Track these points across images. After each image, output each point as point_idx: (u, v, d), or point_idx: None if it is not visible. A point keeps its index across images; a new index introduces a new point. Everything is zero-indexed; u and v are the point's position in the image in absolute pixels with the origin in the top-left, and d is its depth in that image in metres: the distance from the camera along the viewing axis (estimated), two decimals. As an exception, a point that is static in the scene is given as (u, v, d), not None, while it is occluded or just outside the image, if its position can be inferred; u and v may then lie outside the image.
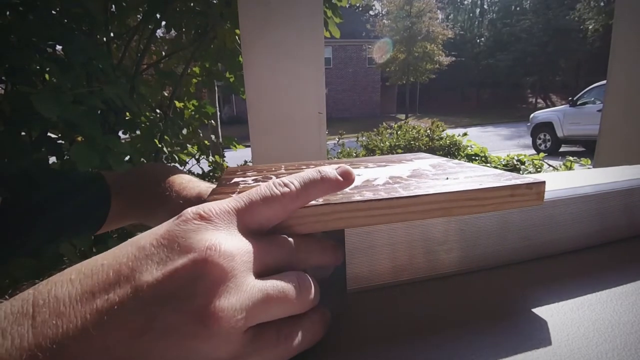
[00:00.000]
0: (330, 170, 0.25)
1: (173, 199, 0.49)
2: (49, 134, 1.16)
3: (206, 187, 0.50)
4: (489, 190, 0.29)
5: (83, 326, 0.15)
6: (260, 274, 0.21)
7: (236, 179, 0.36)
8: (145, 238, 0.19)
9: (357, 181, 0.32)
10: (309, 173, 0.25)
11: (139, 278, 0.17)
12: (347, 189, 0.29)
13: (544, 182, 0.30)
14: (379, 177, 0.34)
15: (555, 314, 0.27)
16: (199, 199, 0.47)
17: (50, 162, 1.17)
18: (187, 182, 0.51)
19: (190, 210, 0.21)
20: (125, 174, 0.58)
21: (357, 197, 0.27)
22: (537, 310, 0.28)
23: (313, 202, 0.26)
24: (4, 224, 0.41)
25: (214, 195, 0.29)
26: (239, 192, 0.29)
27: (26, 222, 0.43)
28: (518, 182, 0.30)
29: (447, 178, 0.33)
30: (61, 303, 0.16)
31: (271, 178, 0.35)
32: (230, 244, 0.19)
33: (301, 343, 0.21)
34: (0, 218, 0.41)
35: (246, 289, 0.19)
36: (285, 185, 0.24)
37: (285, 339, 0.20)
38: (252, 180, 0.35)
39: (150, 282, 0.17)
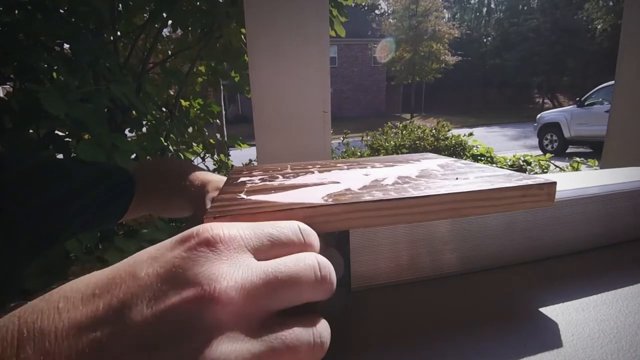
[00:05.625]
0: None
1: (186, 188, 0.52)
2: (56, 131, 1.17)
3: (213, 178, 0.53)
4: (502, 191, 0.28)
5: None
6: (271, 312, 0.18)
7: (243, 179, 0.36)
8: (142, 265, 0.17)
9: (366, 181, 0.32)
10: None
11: (127, 316, 0.15)
12: (356, 189, 0.29)
13: (555, 183, 0.29)
14: (388, 177, 0.34)
15: (561, 315, 0.27)
16: (202, 188, 0.50)
17: (58, 159, 1.18)
18: (200, 174, 0.55)
19: (195, 233, 0.18)
20: (145, 164, 0.59)
21: (368, 197, 0.26)
22: (543, 311, 0.28)
23: (322, 202, 0.25)
24: (31, 218, 0.41)
25: (221, 195, 0.29)
26: (247, 192, 0.30)
27: (53, 213, 0.44)
28: (530, 182, 0.29)
29: (457, 178, 0.32)
30: (46, 339, 0.15)
31: (277, 177, 0.35)
32: (239, 278, 0.17)
33: None
34: (27, 213, 0.41)
35: (251, 336, 0.16)
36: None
37: None
38: (259, 179, 0.35)
39: (138, 323, 0.15)
